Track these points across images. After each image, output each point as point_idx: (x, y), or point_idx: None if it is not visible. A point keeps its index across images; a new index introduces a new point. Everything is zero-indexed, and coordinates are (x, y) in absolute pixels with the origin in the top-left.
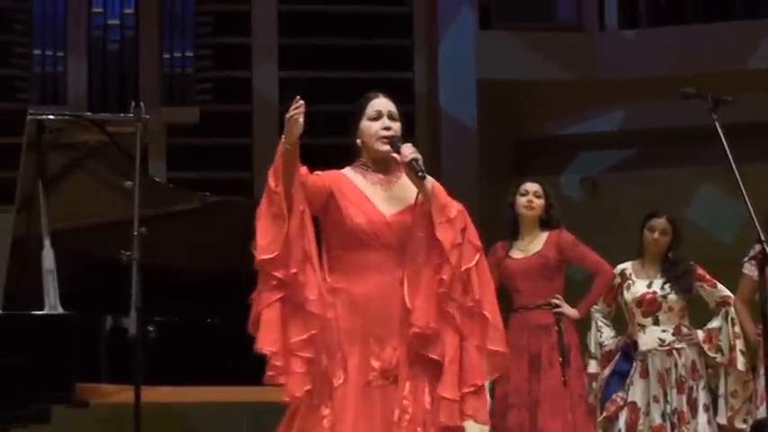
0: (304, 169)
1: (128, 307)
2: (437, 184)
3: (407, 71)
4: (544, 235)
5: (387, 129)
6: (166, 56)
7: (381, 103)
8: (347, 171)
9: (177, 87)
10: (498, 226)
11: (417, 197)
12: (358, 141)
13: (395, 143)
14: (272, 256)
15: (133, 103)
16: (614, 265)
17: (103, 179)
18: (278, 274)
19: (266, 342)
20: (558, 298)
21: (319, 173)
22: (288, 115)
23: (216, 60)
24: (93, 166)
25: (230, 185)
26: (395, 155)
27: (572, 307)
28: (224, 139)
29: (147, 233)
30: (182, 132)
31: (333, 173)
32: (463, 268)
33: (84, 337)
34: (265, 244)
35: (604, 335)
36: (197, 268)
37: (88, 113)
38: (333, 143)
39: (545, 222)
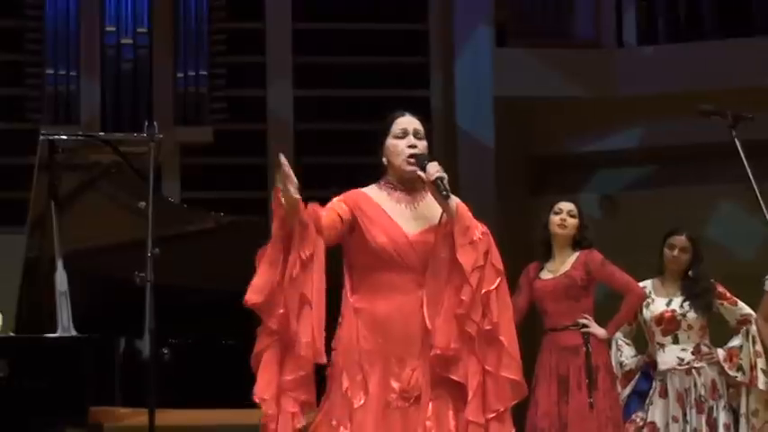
0: (315, 209)
1: (141, 329)
2: (462, 205)
3: (424, 89)
4: (574, 255)
5: (412, 147)
6: (180, 75)
7: (407, 121)
8: (370, 189)
9: (191, 107)
10: (516, 245)
11: (441, 217)
12: (384, 160)
13: (421, 161)
14: (256, 301)
15: (146, 123)
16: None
17: (117, 200)
18: (267, 320)
19: (260, 388)
20: (586, 318)
21: (340, 199)
22: (281, 191)
23: (230, 79)
24: (107, 187)
25: (244, 205)
26: (420, 173)
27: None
28: (238, 159)
29: (160, 254)
30: (195, 152)
31: (353, 194)
32: (483, 291)
33: (97, 360)
34: (255, 287)
35: (625, 354)
36: (211, 289)
37: (101, 133)
38: (347, 162)
39: (577, 243)
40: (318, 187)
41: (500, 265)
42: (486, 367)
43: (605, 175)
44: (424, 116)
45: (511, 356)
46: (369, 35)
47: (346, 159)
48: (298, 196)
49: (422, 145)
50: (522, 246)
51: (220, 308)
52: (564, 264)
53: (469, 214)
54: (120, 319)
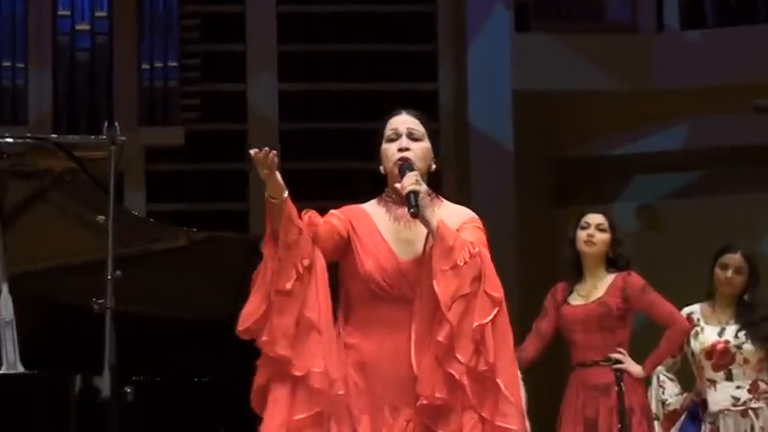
0: (312, 216)
1: (101, 364)
2: (444, 224)
3: (431, 81)
4: (609, 278)
5: (401, 150)
6: (145, 66)
7: (400, 121)
8: (370, 205)
9: (158, 103)
10: (539, 264)
11: (427, 239)
12: (381, 169)
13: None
14: (247, 325)
15: (106, 123)
16: (679, 309)
17: (71, 213)
18: (266, 348)
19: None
20: (620, 352)
21: (336, 212)
22: (260, 169)
23: (204, 71)
24: (59, 198)
25: (222, 219)
26: (397, 185)
27: (636, 363)
28: (214, 165)
29: (122, 277)
30: (164, 157)
31: (352, 210)
32: (475, 325)
33: (49, 401)
34: (247, 311)
35: (668, 391)
36: (182, 317)
37: (53, 136)
38: (343, 168)
39: (612, 262)
40: (308, 198)
41: (498, 293)
42: (483, 415)
43: (643, 182)
44: (430, 113)
45: (510, 403)
46: (366, 19)
47: (341, 165)
48: (280, 182)
49: (419, 148)
50: (547, 265)
51: (194, 339)
52: (597, 288)
53: (452, 234)
54: (75, 353)
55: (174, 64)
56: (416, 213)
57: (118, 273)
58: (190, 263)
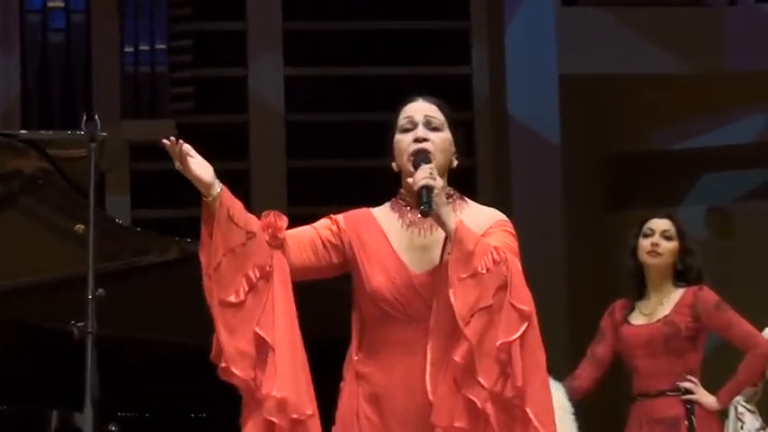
0: (275, 218)
1: (80, 398)
2: (463, 226)
3: (463, 65)
4: (678, 293)
5: (417, 140)
6: (129, 49)
7: (416, 108)
8: (380, 210)
9: (145, 92)
10: (592, 276)
11: (445, 245)
12: (393, 165)
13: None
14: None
15: (84, 116)
16: (759, 329)
17: (44, 222)
18: (222, 376)
19: None
20: (690, 380)
21: (334, 218)
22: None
23: (198, 54)
24: (30, 204)
25: None
26: (409, 180)
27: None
28: (210, 163)
29: (106, 296)
30: (152, 155)
31: (356, 216)
32: (499, 342)
33: None
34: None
35: (747, 426)
36: (176, 342)
37: (22, 132)
38: (358, 167)
39: (680, 274)
40: (318, 202)
41: (527, 305)
42: None
43: (713, 181)
44: (463, 102)
45: None
46: None
47: (358, 163)
48: (203, 175)
49: (438, 138)
50: (601, 278)
51: (189, 367)
52: (662, 305)
53: (473, 236)
54: (51, 385)
55: (163, 46)
56: (427, 212)
57: (100, 291)
58: (183, 279)
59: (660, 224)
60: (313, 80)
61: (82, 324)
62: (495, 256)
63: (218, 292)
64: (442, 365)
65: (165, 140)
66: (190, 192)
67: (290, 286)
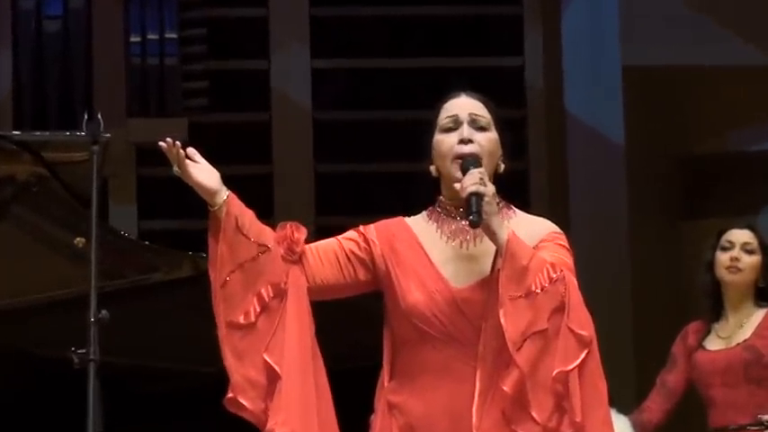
0: (292, 229)
1: None
2: (516, 238)
3: (514, 56)
4: (760, 313)
5: (463, 142)
6: (135, 38)
7: (459, 105)
8: (415, 220)
9: (153, 88)
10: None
11: (495, 258)
12: (432, 169)
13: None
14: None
15: (86, 115)
16: None
17: (39, 235)
18: (230, 407)
19: None
20: None
21: (361, 230)
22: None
23: (213, 45)
24: (24, 215)
25: None
26: (456, 185)
27: None
28: (227, 168)
29: (109, 318)
30: (161, 159)
31: (388, 226)
32: (555, 372)
33: None
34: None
35: None
36: (188, 370)
37: (15, 133)
38: (395, 170)
39: (763, 293)
40: (351, 211)
41: (587, 330)
42: None
43: None
44: (514, 97)
45: None
46: None
47: (395, 167)
48: (207, 182)
49: (485, 139)
50: (672, 297)
51: (204, 399)
52: (742, 327)
53: (527, 250)
54: (48, 421)
55: (174, 35)
56: (477, 222)
57: (103, 313)
58: (197, 299)
59: (740, 236)
60: (344, 73)
61: (83, 351)
62: (552, 274)
63: (225, 313)
64: (487, 394)
65: (161, 143)
66: (204, 200)
67: (306, 306)
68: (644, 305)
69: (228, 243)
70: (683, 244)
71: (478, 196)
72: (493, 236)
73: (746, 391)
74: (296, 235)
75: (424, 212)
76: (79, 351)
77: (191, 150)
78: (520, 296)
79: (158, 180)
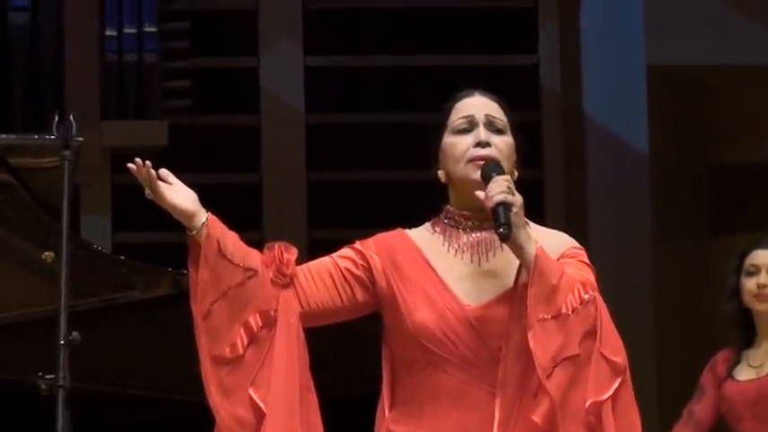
0: (282, 250)
1: None
2: (543, 253)
3: (528, 53)
4: None
5: (481, 145)
6: (111, 32)
7: (474, 105)
8: (417, 233)
9: (131, 87)
10: (688, 316)
11: (519, 273)
12: (440, 174)
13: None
14: None
15: (56, 117)
16: None
17: (4, 248)
18: None
19: None
20: None
21: (358, 247)
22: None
23: (197, 40)
24: None
25: None
26: (479, 194)
27: None
28: (212, 176)
29: (81, 341)
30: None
31: (387, 238)
32: (589, 402)
33: None
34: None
35: None
36: (170, 399)
37: None
38: (397, 179)
39: None
40: (347, 222)
41: (620, 357)
42: None
43: None
44: (528, 99)
45: None
46: None
47: (396, 175)
48: (183, 205)
49: (503, 143)
50: (700, 320)
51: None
52: None
53: (556, 267)
54: None
55: (153, 29)
56: (507, 235)
57: (74, 335)
58: (178, 319)
59: (765, 257)
60: (340, 72)
61: (51, 376)
62: (583, 295)
63: (209, 346)
64: (508, 423)
65: (130, 165)
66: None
67: (298, 334)
68: (668, 330)
69: (210, 269)
70: (713, 263)
71: (506, 206)
72: (519, 250)
73: None
74: (285, 256)
75: (426, 224)
76: (47, 376)
77: (163, 172)
78: (549, 318)
79: (135, 188)
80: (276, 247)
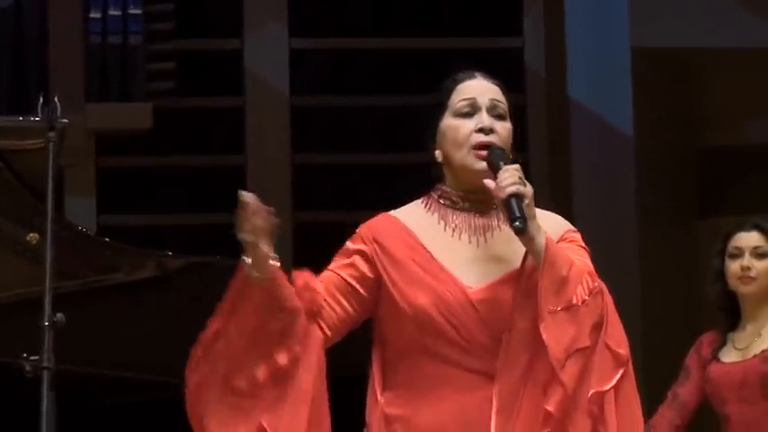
0: (309, 282)
1: None
2: (553, 243)
3: (512, 35)
4: None
5: (484, 131)
6: (95, 14)
7: (477, 88)
8: (406, 213)
9: (115, 69)
10: (674, 301)
11: (525, 258)
12: (437, 154)
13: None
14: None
15: (40, 99)
16: None
17: None
18: None
19: None
20: None
21: (353, 246)
22: (246, 229)
23: (181, 22)
24: None
25: (208, 237)
26: (487, 182)
27: None
28: (197, 158)
29: (66, 322)
30: (123, 147)
31: (376, 225)
32: (591, 393)
33: None
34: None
35: None
36: (152, 381)
37: None
38: (383, 162)
39: None
40: (331, 205)
41: (623, 348)
42: None
43: None
44: (512, 82)
45: None
46: None
47: (382, 159)
48: (272, 255)
49: (504, 130)
50: (686, 302)
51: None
52: (761, 336)
53: (567, 257)
54: None
55: (138, 11)
56: (523, 228)
57: (59, 316)
58: (163, 301)
59: (749, 240)
60: (326, 54)
61: (36, 358)
62: (592, 285)
63: (226, 370)
64: (509, 410)
65: (246, 196)
66: (170, 193)
67: (320, 369)
68: (654, 313)
69: (259, 316)
70: (698, 245)
71: (519, 197)
72: (530, 242)
73: (765, 407)
74: (313, 287)
75: (416, 202)
76: (32, 358)
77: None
78: (560, 309)
79: (120, 171)
80: (304, 281)
